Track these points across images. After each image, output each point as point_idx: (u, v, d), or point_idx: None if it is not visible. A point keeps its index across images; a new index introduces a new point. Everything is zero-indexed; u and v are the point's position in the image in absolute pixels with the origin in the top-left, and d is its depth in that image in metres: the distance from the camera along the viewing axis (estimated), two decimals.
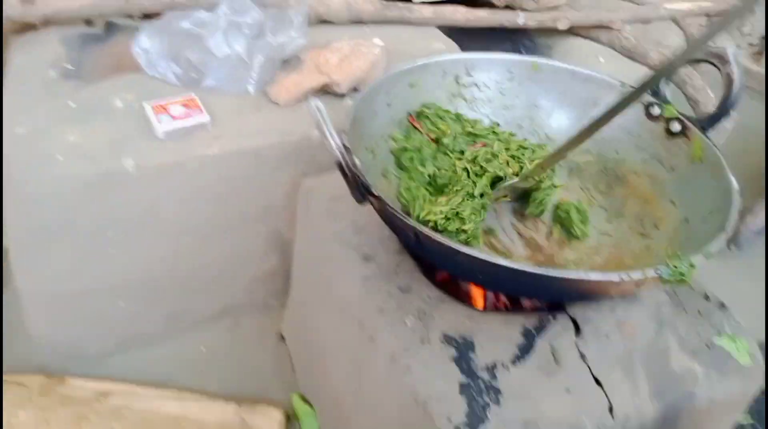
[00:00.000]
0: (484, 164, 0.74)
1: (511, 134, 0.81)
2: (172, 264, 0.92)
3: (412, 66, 0.79)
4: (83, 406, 0.82)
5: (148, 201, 0.85)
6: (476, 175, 0.73)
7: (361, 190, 0.60)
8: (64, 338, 0.91)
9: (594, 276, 0.50)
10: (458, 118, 0.82)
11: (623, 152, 0.77)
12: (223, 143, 0.86)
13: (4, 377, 0.85)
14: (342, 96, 0.97)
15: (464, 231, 0.67)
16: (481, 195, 0.71)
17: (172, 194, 0.86)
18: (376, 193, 0.59)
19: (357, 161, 0.62)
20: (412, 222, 0.56)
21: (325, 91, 0.97)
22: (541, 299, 0.64)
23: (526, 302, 0.65)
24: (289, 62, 1.00)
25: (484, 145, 0.77)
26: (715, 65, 0.68)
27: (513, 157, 0.76)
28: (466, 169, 0.74)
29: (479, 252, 0.52)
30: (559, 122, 0.83)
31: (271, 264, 1.01)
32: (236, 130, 0.89)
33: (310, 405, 0.88)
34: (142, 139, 0.85)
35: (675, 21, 1.32)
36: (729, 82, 0.66)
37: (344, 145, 0.62)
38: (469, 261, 0.53)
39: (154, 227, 0.88)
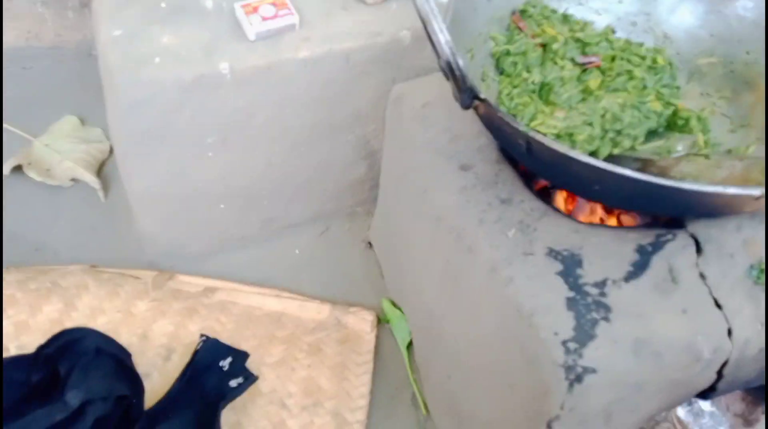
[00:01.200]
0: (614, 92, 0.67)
1: (628, 42, 0.72)
2: (266, 169, 0.94)
3: None
4: (193, 299, 0.88)
5: (243, 105, 0.85)
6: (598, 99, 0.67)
7: (468, 94, 0.56)
8: (170, 237, 0.97)
9: (733, 190, 0.46)
10: (566, 19, 0.74)
11: (755, 53, 0.69)
12: (312, 46, 0.83)
13: (122, 271, 0.92)
14: None
15: None
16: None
17: (265, 98, 0.85)
18: (483, 97, 0.55)
19: (461, 62, 0.58)
20: (524, 128, 0.53)
21: None
22: (665, 215, 0.60)
23: (637, 218, 0.62)
24: None
25: (599, 65, 0.70)
26: None
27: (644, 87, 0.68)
28: (588, 90, 0.68)
29: (603, 163, 0.48)
30: (682, 18, 0.74)
31: (359, 173, 1.00)
32: (324, 32, 0.85)
33: (400, 310, 0.91)
34: (234, 41, 0.83)
35: None
36: None
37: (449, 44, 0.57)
38: (589, 171, 0.50)
39: (249, 133, 0.88)
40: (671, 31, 0.75)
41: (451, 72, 0.54)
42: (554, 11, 0.74)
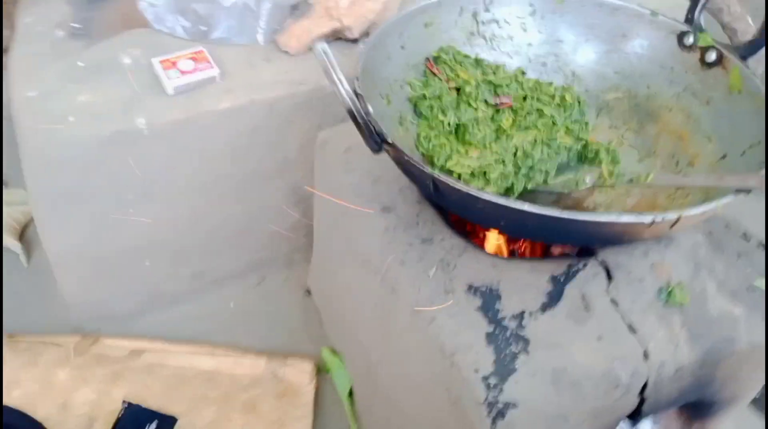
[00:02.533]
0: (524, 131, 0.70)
1: (538, 83, 0.76)
2: (193, 222, 0.92)
3: (425, 4, 0.75)
4: (118, 364, 0.84)
5: (163, 159, 0.84)
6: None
7: (375, 139, 0.57)
8: (94, 299, 0.93)
9: (626, 218, 0.47)
10: (478, 63, 0.77)
11: (655, 87, 0.73)
12: (234, 97, 0.84)
13: (42, 339, 0.87)
14: (355, 41, 0.93)
15: None
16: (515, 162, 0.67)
17: (187, 151, 0.85)
18: (390, 141, 0.56)
19: (370, 109, 0.59)
20: (429, 170, 0.53)
21: (336, 36, 0.93)
22: (570, 245, 0.62)
23: (553, 249, 0.63)
24: (297, 8, 0.95)
25: (510, 106, 0.73)
26: None
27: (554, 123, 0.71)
28: (501, 130, 0.70)
29: (502, 198, 0.49)
30: (586, 57, 0.78)
31: (293, 219, 1.00)
32: (247, 83, 0.86)
33: (340, 357, 0.89)
34: (153, 95, 0.83)
35: None
36: None
37: (356, 92, 0.59)
38: (492, 208, 0.51)
39: (173, 186, 0.87)
40: (579, 70, 0.78)
41: (354, 119, 0.55)
42: (467, 56, 0.77)
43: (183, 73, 0.83)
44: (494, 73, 0.76)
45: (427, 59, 0.77)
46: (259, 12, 0.92)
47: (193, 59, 0.86)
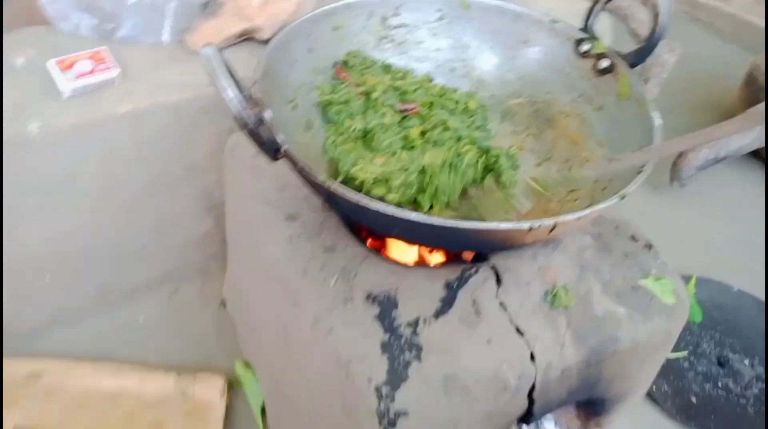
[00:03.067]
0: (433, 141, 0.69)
1: (444, 89, 0.76)
2: (97, 231, 0.88)
3: (334, 6, 0.74)
4: (13, 388, 0.79)
5: (60, 166, 0.80)
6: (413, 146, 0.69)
7: (269, 147, 0.56)
8: None
9: (504, 225, 0.49)
10: (387, 68, 0.77)
11: (553, 93, 0.75)
12: (136, 99, 0.80)
13: None
14: (266, 42, 0.91)
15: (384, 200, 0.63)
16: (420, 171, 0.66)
17: (85, 157, 0.81)
18: (283, 150, 0.55)
19: (268, 115, 0.58)
20: (322, 178, 0.53)
21: (248, 37, 0.91)
22: (461, 250, 0.63)
23: (449, 255, 0.64)
24: (207, 6, 0.92)
25: (418, 112, 0.73)
26: None
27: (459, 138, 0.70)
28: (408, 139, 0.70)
29: (389, 207, 0.50)
30: (490, 63, 0.79)
31: (206, 227, 0.97)
32: (150, 84, 0.83)
33: (253, 371, 0.87)
34: (47, 99, 0.78)
35: None
36: (655, 13, 0.63)
37: (252, 97, 0.57)
38: (383, 217, 0.51)
39: (73, 193, 0.83)
40: (484, 75, 0.80)
41: (243, 127, 0.54)
42: (374, 61, 0.77)
43: (80, 74, 0.79)
44: (403, 78, 0.77)
45: (335, 64, 0.76)
46: (165, 10, 0.89)
47: (92, 59, 0.82)
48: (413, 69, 0.79)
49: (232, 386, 0.86)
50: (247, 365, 0.88)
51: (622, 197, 0.52)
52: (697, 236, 1.20)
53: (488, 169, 0.70)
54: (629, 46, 0.71)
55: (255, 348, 0.84)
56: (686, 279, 1.00)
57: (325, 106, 0.73)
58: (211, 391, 0.82)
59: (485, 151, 0.70)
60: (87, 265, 0.89)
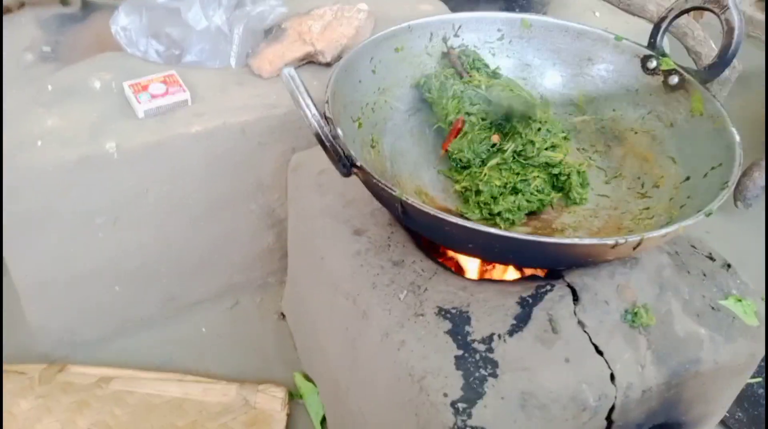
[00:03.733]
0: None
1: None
2: (164, 246, 0.90)
3: (396, 29, 0.76)
4: (84, 392, 0.82)
5: (133, 183, 0.83)
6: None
7: (344, 163, 0.57)
8: (62, 325, 0.90)
9: (588, 241, 0.48)
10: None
11: (620, 109, 0.74)
12: (206, 120, 0.83)
13: (5, 367, 0.84)
14: (328, 65, 0.93)
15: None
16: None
17: (157, 175, 0.84)
18: (359, 164, 0.56)
19: (340, 132, 0.59)
20: (397, 193, 0.54)
21: (309, 60, 0.94)
22: (537, 267, 0.62)
23: (522, 271, 0.63)
24: (270, 32, 0.96)
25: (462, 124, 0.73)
26: (714, 12, 0.64)
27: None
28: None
29: (468, 221, 0.50)
30: (553, 81, 0.79)
31: (267, 242, 0.99)
32: (219, 106, 0.86)
33: (313, 383, 0.88)
34: (123, 119, 0.82)
35: None
36: (729, 29, 0.62)
37: (325, 116, 0.59)
38: (459, 231, 0.51)
39: (143, 209, 0.86)
40: (547, 93, 0.80)
41: (322, 143, 0.55)
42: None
43: (154, 96, 0.83)
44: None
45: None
46: (232, 36, 0.92)
47: (165, 83, 0.85)
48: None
49: (292, 397, 0.87)
50: (307, 377, 0.88)
51: (708, 214, 0.51)
52: (762, 259, 1.15)
53: (558, 187, 0.70)
54: (687, 63, 0.71)
55: (316, 360, 0.85)
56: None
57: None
58: (272, 402, 0.83)
59: (554, 175, 0.69)
60: (153, 278, 0.92)
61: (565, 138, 0.72)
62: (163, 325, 0.94)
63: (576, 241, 0.48)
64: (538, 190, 0.67)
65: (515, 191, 0.66)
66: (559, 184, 0.70)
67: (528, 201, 0.66)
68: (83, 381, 0.83)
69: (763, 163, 1.17)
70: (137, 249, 0.88)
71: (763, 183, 1.16)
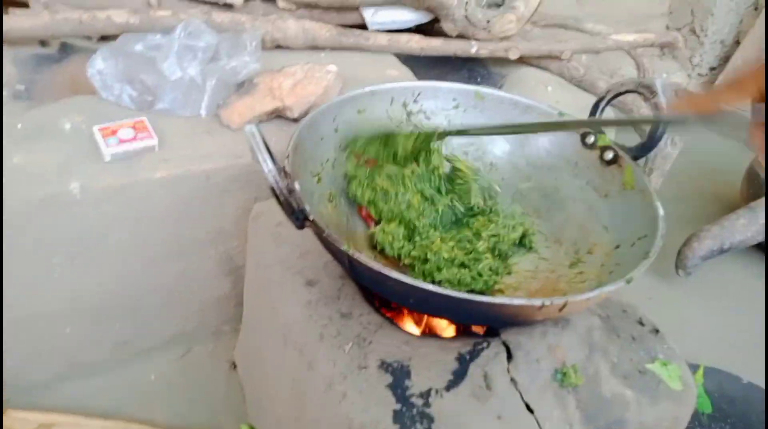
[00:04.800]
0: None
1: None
2: (120, 288, 0.91)
3: (359, 92, 0.81)
4: None
5: (94, 224, 0.84)
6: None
7: (297, 215, 0.60)
8: (8, 365, 0.88)
9: (517, 301, 0.51)
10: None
11: (561, 179, 0.80)
12: (171, 166, 0.86)
13: None
14: (295, 120, 0.98)
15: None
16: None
17: (119, 217, 0.85)
18: (311, 218, 0.59)
19: (297, 186, 0.62)
20: (345, 247, 0.57)
21: (277, 115, 0.98)
22: (473, 324, 0.65)
23: (463, 327, 0.66)
24: (242, 86, 1.00)
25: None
26: (645, 96, 0.71)
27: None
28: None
29: (407, 277, 0.53)
30: (502, 149, 0.85)
31: (223, 289, 1.00)
32: (186, 153, 0.89)
33: None
34: (89, 161, 0.84)
35: (627, 52, 1.37)
36: (657, 112, 0.69)
37: (284, 170, 0.62)
38: (401, 287, 0.54)
39: (102, 251, 0.87)
40: (496, 161, 0.85)
41: (276, 196, 0.58)
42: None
43: (122, 141, 0.86)
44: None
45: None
46: (204, 87, 0.96)
47: (134, 128, 0.88)
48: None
49: None
50: None
51: (629, 281, 0.55)
52: (702, 326, 1.21)
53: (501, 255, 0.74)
54: (633, 138, 0.77)
55: (264, 412, 0.85)
56: (693, 368, 1.01)
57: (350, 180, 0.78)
58: None
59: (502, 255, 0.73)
60: (107, 320, 0.91)
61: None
62: (112, 370, 0.93)
63: (506, 301, 0.52)
64: (486, 271, 0.70)
65: (462, 265, 0.70)
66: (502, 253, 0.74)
67: (473, 278, 0.69)
68: (23, 427, 0.81)
69: (703, 234, 1.24)
70: (93, 290, 0.88)
71: (701, 253, 1.23)
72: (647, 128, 1.18)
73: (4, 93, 0.96)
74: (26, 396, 0.88)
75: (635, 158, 0.73)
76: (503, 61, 1.26)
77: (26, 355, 0.89)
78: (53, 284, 0.85)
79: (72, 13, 1.05)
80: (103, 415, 0.86)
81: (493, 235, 0.73)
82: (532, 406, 0.57)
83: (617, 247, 0.67)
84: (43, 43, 1.11)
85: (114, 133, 0.87)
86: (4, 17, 1.04)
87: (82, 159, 0.84)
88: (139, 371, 0.94)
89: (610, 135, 0.78)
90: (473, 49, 1.16)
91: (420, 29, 1.23)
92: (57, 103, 0.94)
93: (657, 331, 0.69)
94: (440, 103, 0.85)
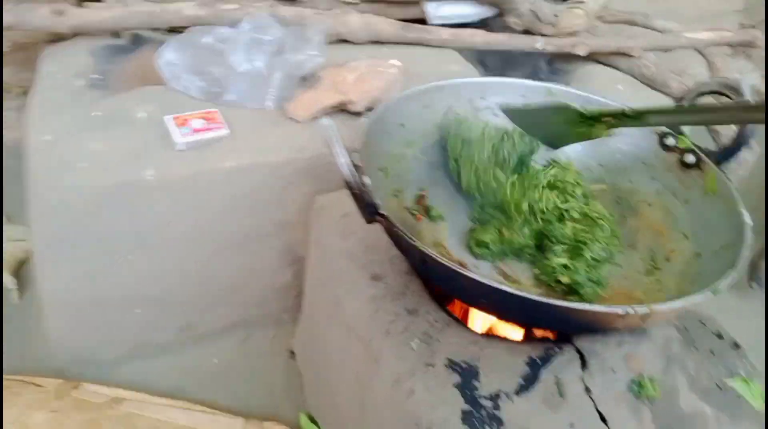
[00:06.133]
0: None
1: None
2: (187, 275, 0.93)
3: (426, 87, 0.80)
4: (96, 411, 0.83)
5: (166, 211, 0.87)
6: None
7: (369, 209, 0.60)
8: (80, 343, 0.93)
9: (598, 308, 0.50)
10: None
11: (637, 182, 0.77)
12: (239, 157, 0.88)
13: (23, 377, 0.86)
14: (358, 114, 0.98)
15: None
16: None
17: (189, 205, 0.87)
18: (383, 213, 0.59)
19: (367, 180, 0.62)
20: (417, 243, 0.56)
21: (341, 109, 0.98)
22: (546, 329, 0.64)
23: (532, 331, 0.65)
24: (307, 79, 1.01)
25: None
26: (729, 97, 0.68)
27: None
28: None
29: (484, 277, 0.52)
30: (574, 148, 0.82)
31: (285, 279, 1.01)
32: (253, 145, 0.90)
33: (317, 425, 0.88)
34: (162, 149, 0.86)
35: (698, 50, 1.31)
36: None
37: (354, 164, 0.62)
38: (474, 286, 0.53)
39: (171, 238, 0.89)
40: (564, 158, 0.83)
41: (350, 189, 0.58)
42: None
43: (194, 130, 0.88)
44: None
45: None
46: (270, 80, 0.98)
47: (205, 118, 0.90)
48: None
49: None
50: (311, 418, 0.89)
51: (715, 292, 0.53)
52: None
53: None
54: (706, 139, 0.73)
55: (323, 401, 0.86)
56: None
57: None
58: None
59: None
60: (172, 305, 0.94)
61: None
62: (176, 352, 0.96)
63: (587, 306, 0.50)
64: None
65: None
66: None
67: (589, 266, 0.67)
68: (96, 399, 0.84)
69: None
70: (160, 275, 0.91)
71: None
72: (722, 131, 1.12)
73: (80, 82, 1.00)
74: (99, 372, 0.91)
75: (718, 163, 0.70)
76: (569, 58, 1.22)
77: (99, 332, 0.93)
78: (125, 268, 0.88)
79: (143, 5, 1.08)
80: (167, 395, 0.89)
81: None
82: (606, 416, 0.55)
83: (698, 255, 0.64)
84: (115, 34, 1.14)
85: (186, 122, 0.89)
86: (80, 10, 1.08)
87: (155, 147, 0.86)
88: (203, 354, 0.97)
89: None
90: (539, 44, 1.13)
91: (483, 24, 1.21)
92: (129, 93, 0.97)
93: (737, 345, 0.66)
94: (508, 99, 0.84)
